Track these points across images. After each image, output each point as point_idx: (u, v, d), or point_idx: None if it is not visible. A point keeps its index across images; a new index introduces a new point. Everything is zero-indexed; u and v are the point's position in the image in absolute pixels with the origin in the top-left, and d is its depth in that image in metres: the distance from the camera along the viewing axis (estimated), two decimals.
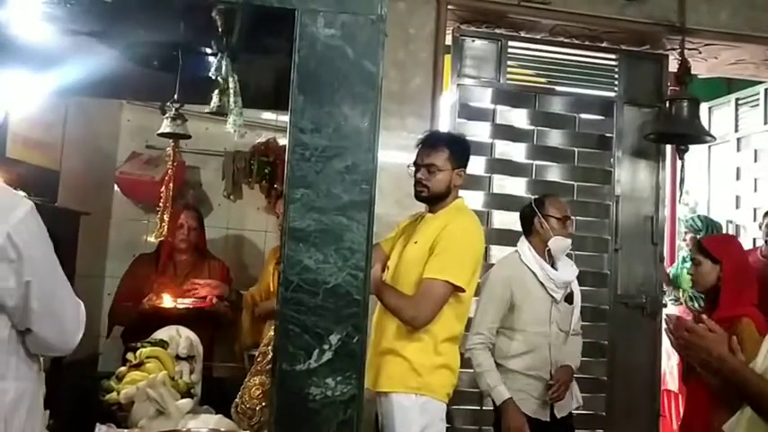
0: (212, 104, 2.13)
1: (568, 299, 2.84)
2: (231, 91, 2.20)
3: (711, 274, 2.46)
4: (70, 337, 1.40)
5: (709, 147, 4.83)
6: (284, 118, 3.84)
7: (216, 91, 2.15)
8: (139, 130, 3.61)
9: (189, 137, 2.42)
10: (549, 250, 2.76)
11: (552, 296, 2.75)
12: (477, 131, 3.68)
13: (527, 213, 2.88)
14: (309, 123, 1.69)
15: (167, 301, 2.91)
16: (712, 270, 2.46)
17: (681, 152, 3.69)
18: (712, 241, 2.71)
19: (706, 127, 4.09)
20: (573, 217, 2.92)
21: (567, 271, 2.84)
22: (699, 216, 4.52)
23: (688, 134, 3.66)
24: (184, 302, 2.91)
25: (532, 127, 3.79)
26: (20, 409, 1.30)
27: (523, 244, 2.83)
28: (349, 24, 1.72)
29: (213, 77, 2.26)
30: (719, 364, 1.59)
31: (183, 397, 2.07)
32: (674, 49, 3.83)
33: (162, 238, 2.48)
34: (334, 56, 1.71)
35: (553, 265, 2.79)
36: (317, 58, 1.70)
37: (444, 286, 2.15)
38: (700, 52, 3.90)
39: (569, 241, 2.83)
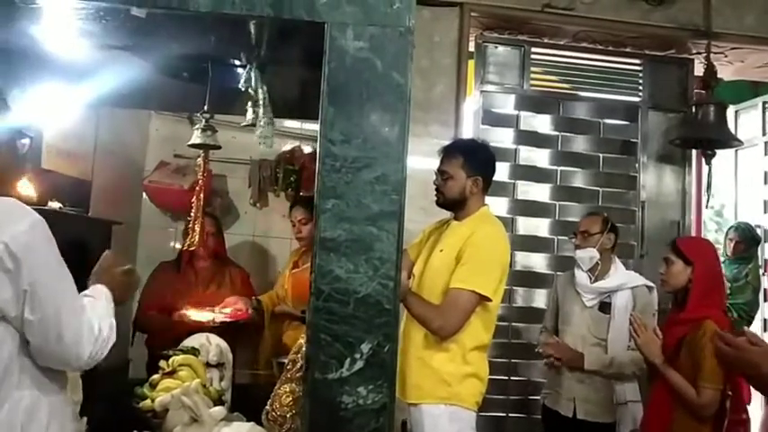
0: (248, 117, 2.15)
1: (604, 309, 2.90)
2: (261, 102, 2.23)
3: (683, 274, 2.46)
4: (73, 351, 1.37)
5: (736, 150, 4.77)
6: (309, 126, 3.91)
7: (249, 103, 2.18)
8: (167, 140, 3.66)
9: (219, 147, 2.45)
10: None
11: (582, 300, 2.93)
12: (501, 138, 3.68)
13: None
14: (339, 134, 1.71)
15: (204, 314, 2.94)
16: (684, 271, 2.46)
17: (708, 157, 3.65)
18: (687, 242, 2.69)
19: (733, 131, 4.05)
20: (585, 230, 3.02)
21: (608, 281, 2.95)
22: (749, 225, 4.45)
23: (715, 139, 3.62)
24: (223, 313, 2.95)
25: (556, 133, 3.78)
26: (37, 417, 1.32)
27: None
28: (377, 37, 1.74)
29: (243, 89, 2.30)
30: (764, 380, 1.55)
31: (214, 404, 2.09)
32: (699, 54, 3.80)
33: (194, 248, 2.52)
34: (364, 68, 1.73)
35: (602, 274, 2.98)
36: (346, 70, 1.72)
37: (471, 296, 2.16)
38: (726, 56, 3.87)
39: (581, 252, 2.98)
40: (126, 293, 1.78)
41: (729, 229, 4.50)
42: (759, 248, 4.52)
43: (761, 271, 4.49)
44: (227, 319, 2.95)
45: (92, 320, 1.42)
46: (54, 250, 1.36)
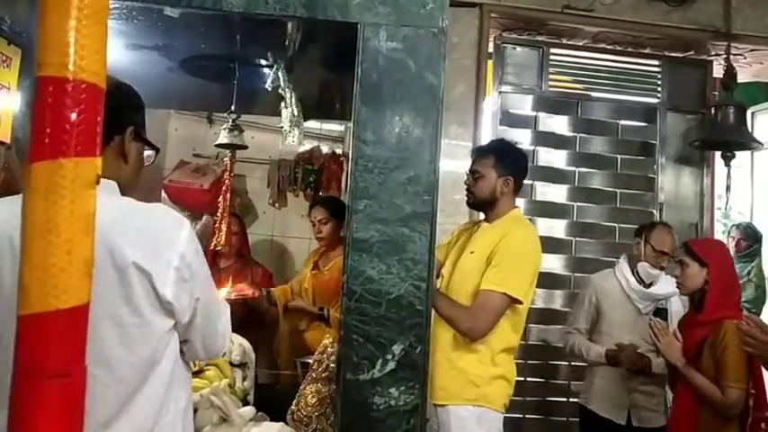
0: (283, 118, 2.15)
1: (661, 314, 2.86)
2: (289, 102, 2.24)
3: (698, 276, 2.46)
4: (220, 343, 1.47)
5: (752, 152, 4.76)
6: (328, 126, 3.91)
7: (282, 104, 2.18)
8: (186, 139, 3.67)
9: (246, 147, 2.46)
10: (636, 270, 2.97)
11: (636, 306, 2.89)
12: (519, 138, 3.65)
13: (636, 232, 3.08)
14: (372, 135, 1.71)
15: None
16: (699, 273, 2.46)
17: (727, 159, 3.63)
18: (701, 244, 2.68)
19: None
20: (673, 256, 2.91)
21: (660, 287, 2.93)
22: (751, 223, 4.49)
23: (735, 141, 3.61)
24: (234, 291, 2.96)
25: (574, 134, 3.77)
26: (188, 415, 1.37)
27: (624, 258, 3.05)
28: (411, 37, 1.74)
29: (269, 89, 2.30)
30: None
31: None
32: (718, 55, 3.78)
33: (220, 247, 2.52)
34: (396, 68, 1.73)
35: (651, 282, 2.93)
36: (379, 70, 1.72)
37: (502, 298, 2.14)
38: (745, 57, 3.85)
39: (656, 272, 2.92)
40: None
41: (731, 227, 4.54)
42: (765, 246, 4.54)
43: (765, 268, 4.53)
44: (236, 295, 2.97)
45: (228, 312, 1.48)
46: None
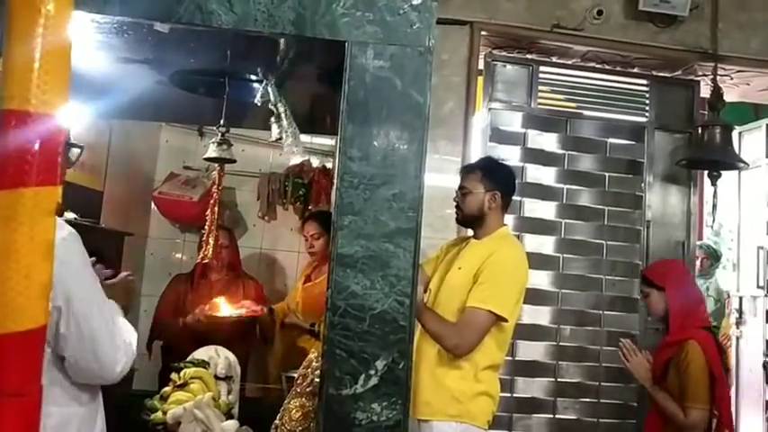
0: (273, 133, 2.17)
1: None
2: (283, 116, 2.25)
3: (660, 302, 2.50)
4: (109, 364, 1.38)
5: (740, 172, 4.81)
6: (318, 140, 3.93)
7: (272, 119, 2.20)
8: (177, 151, 3.68)
9: (234, 161, 2.47)
10: None
11: None
12: (508, 155, 3.69)
13: None
14: (358, 152, 1.73)
15: (224, 310, 2.97)
16: (660, 298, 2.50)
17: (713, 178, 3.67)
18: (653, 270, 2.71)
19: (737, 152, 4.08)
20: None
21: None
22: (709, 244, 4.67)
23: (721, 161, 3.65)
24: (239, 311, 2.97)
25: (563, 151, 3.79)
26: (66, 430, 1.32)
27: None
28: (397, 56, 1.77)
29: (258, 104, 2.32)
30: None
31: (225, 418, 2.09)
32: (705, 75, 3.83)
33: (207, 260, 2.53)
34: (383, 86, 1.75)
35: None
36: (365, 88, 1.74)
37: (487, 316, 2.16)
38: (731, 78, 3.91)
39: None
40: (127, 301, 1.77)
41: (696, 247, 4.68)
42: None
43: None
44: (248, 313, 2.98)
45: (123, 334, 1.42)
46: (87, 265, 1.35)
